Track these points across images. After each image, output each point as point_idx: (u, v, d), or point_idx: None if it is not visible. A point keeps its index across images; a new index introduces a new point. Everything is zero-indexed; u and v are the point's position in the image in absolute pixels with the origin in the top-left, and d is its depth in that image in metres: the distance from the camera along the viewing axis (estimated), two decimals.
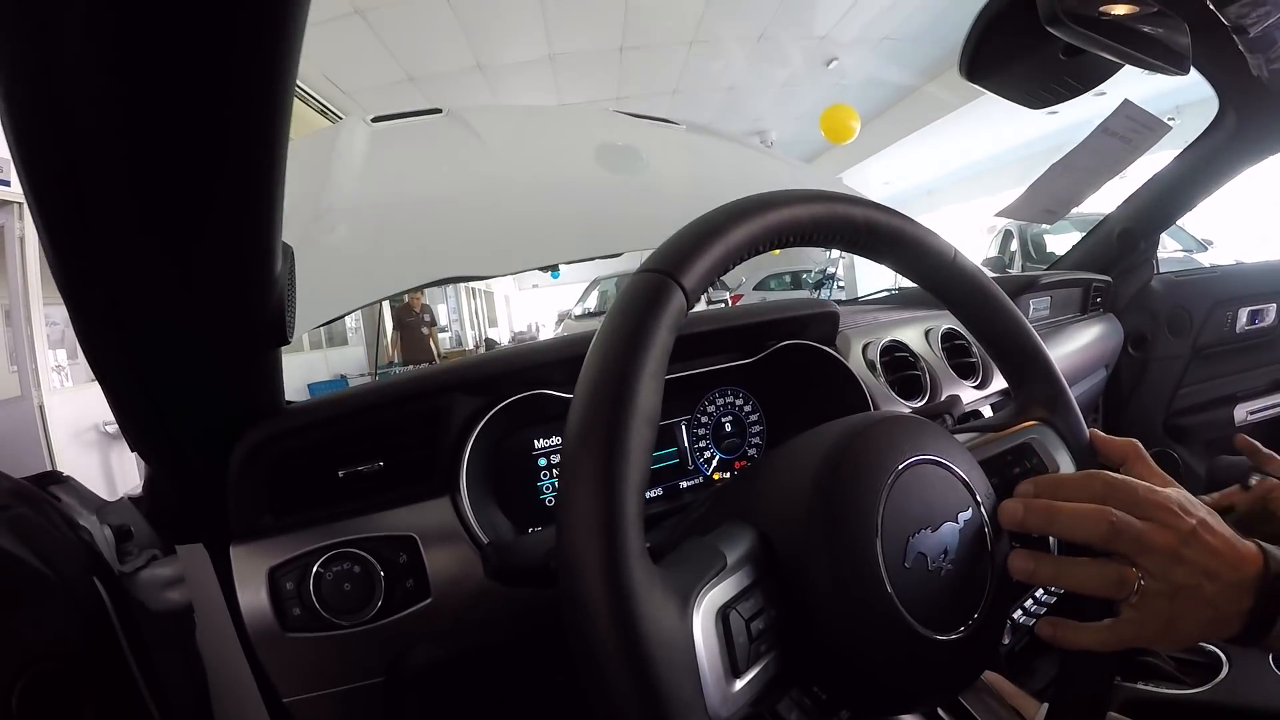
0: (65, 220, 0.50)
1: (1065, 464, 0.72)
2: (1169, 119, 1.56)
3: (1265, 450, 0.94)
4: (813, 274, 12.79)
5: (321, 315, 1.16)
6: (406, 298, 8.50)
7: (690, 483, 1.09)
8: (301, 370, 9.38)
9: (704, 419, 1.11)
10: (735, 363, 1.09)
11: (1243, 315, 2.13)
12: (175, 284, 0.57)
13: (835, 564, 0.51)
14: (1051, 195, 1.68)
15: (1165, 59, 1.11)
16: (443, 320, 14.75)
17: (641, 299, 0.49)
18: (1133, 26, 1.07)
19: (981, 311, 0.72)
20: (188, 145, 0.47)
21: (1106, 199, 1.94)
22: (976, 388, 1.37)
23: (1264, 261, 2.22)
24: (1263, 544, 0.60)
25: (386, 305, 10.37)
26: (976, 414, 1.32)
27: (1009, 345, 0.74)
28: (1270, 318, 2.15)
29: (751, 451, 1.14)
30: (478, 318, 17.98)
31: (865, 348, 1.25)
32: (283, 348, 0.79)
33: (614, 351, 0.47)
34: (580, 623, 0.42)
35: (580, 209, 1.48)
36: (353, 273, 1.26)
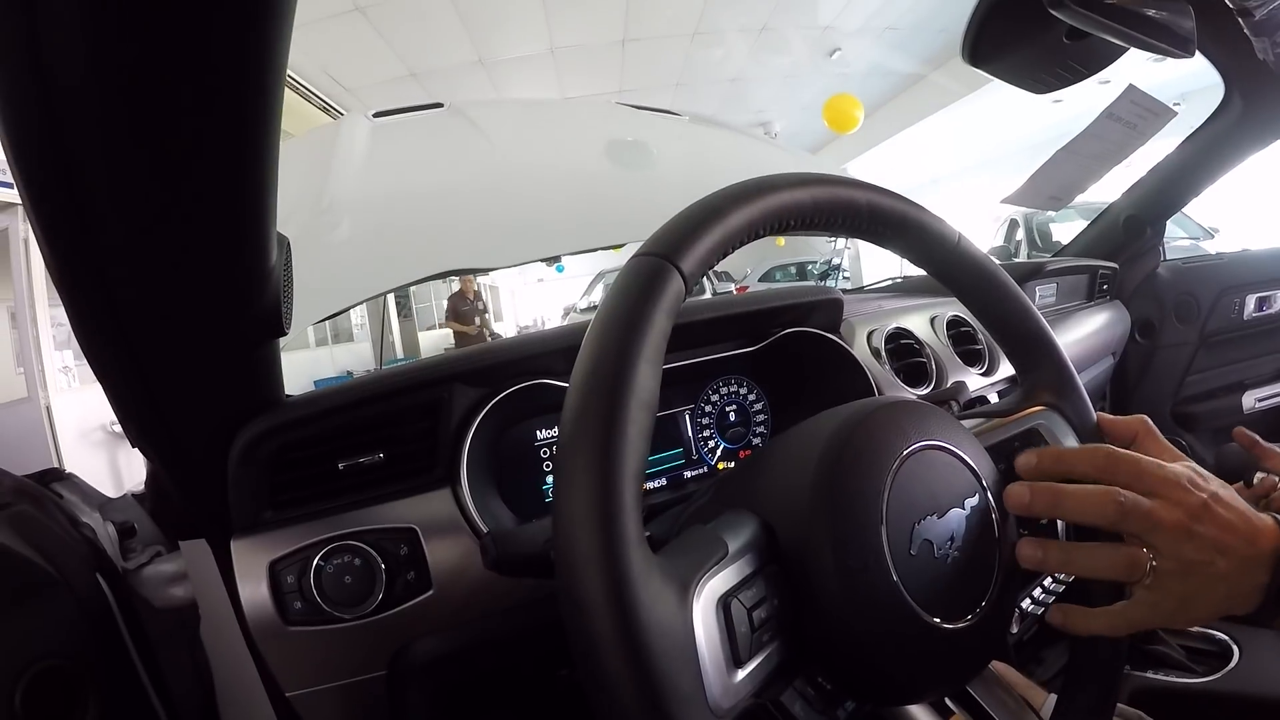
0: (58, 213, 0.49)
1: None
2: (1174, 104, 1.55)
3: (1265, 444, 0.92)
4: (818, 265, 12.77)
5: (326, 309, 1.16)
6: (458, 284, 8.22)
7: (694, 472, 1.09)
8: (308, 366, 9.39)
9: (708, 408, 1.11)
10: (739, 350, 1.09)
11: (1250, 302, 2.12)
12: (169, 276, 0.57)
13: (839, 552, 0.50)
14: (1056, 182, 1.67)
15: (1170, 42, 1.10)
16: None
17: (638, 283, 0.48)
18: (1137, 9, 1.06)
19: (987, 296, 0.72)
20: (178, 136, 0.47)
21: (1113, 187, 1.93)
22: (983, 375, 1.37)
23: (1271, 248, 2.21)
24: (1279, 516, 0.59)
25: (392, 300, 10.36)
26: (983, 400, 1.31)
27: (1015, 330, 0.73)
28: (1278, 304, 2.14)
29: (756, 440, 1.14)
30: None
31: (870, 335, 1.24)
32: (288, 345, 0.79)
33: (610, 336, 0.46)
34: (577, 612, 0.42)
35: (582, 201, 1.48)
36: (356, 267, 1.26)
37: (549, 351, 0.92)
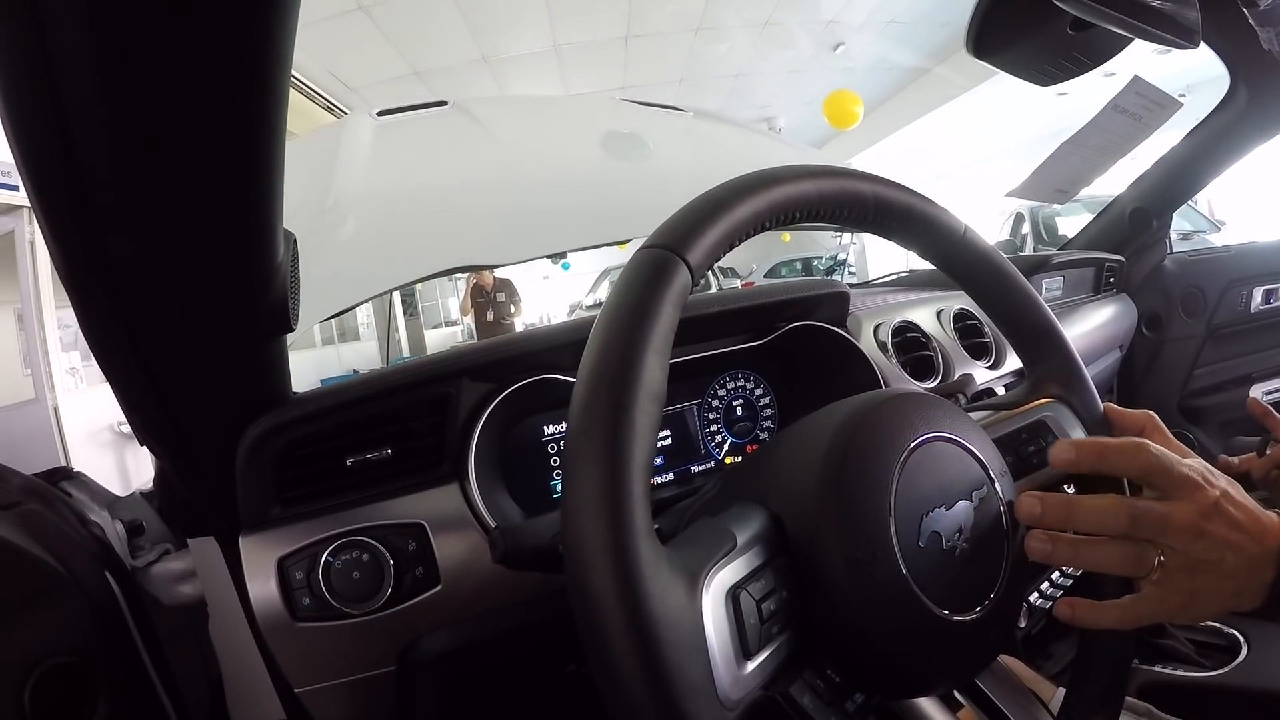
0: (65, 210, 0.50)
1: None
2: (1179, 96, 1.54)
3: (1277, 414, 0.92)
4: (824, 260, 12.78)
5: (331, 307, 1.16)
6: (473, 279, 8.07)
7: (702, 467, 1.09)
8: (314, 366, 9.38)
9: (715, 402, 1.11)
10: (745, 345, 1.08)
11: (1257, 294, 2.12)
12: (177, 272, 0.57)
13: (848, 544, 0.50)
14: (1062, 175, 1.66)
15: (1175, 33, 1.10)
16: (454, 314, 14.69)
17: (645, 275, 0.48)
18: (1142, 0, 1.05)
19: (993, 287, 0.72)
20: (186, 132, 0.47)
21: (1118, 180, 1.93)
22: (989, 368, 1.36)
23: (1278, 240, 2.20)
24: None
25: (398, 298, 10.33)
26: (990, 393, 1.31)
27: (1022, 321, 0.73)
28: None
29: (763, 435, 1.14)
30: None
31: (877, 328, 1.24)
32: (294, 344, 0.79)
33: (617, 328, 0.46)
34: (586, 603, 0.42)
35: (587, 197, 1.48)
36: (362, 265, 1.26)
37: (556, 346, 0.92)
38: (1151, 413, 0.69)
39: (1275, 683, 1.11)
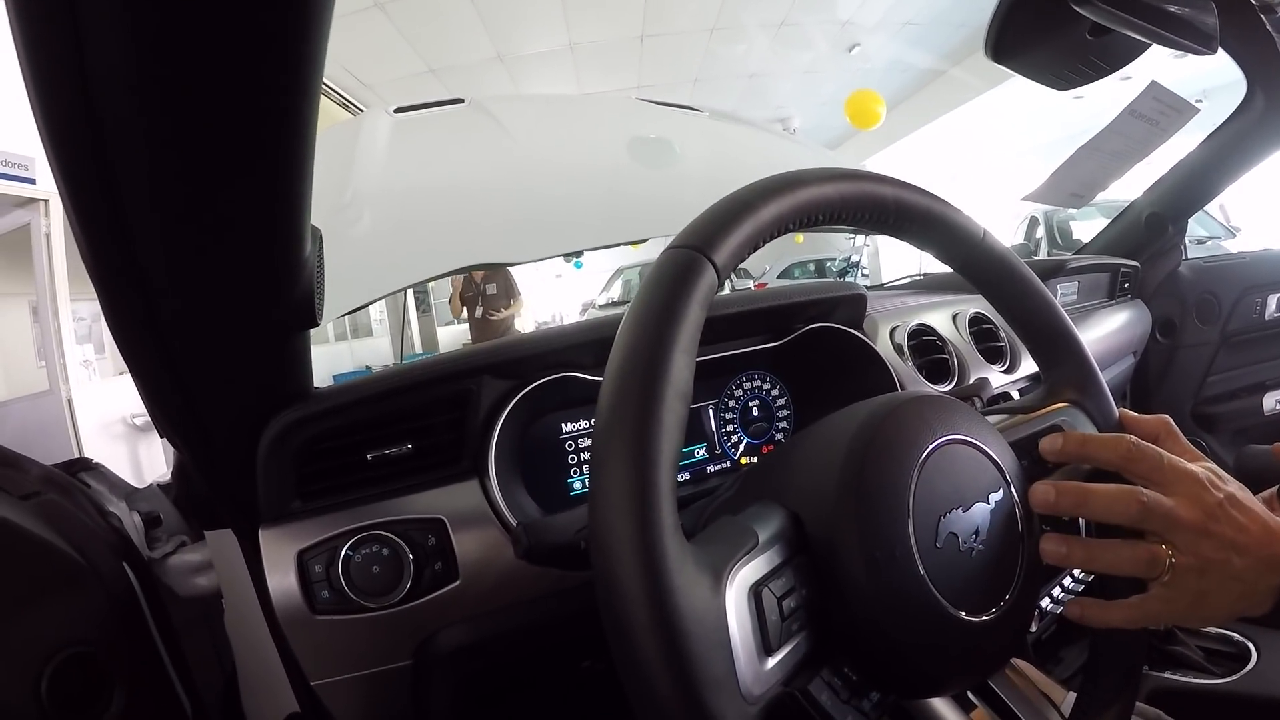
0: (95, 205, 0.50)
1: None
2: (1196, 101, 1.54)
3: None
4: (836, 262, 12.73)
5: (347, 304, 1.16)
6: (457, 280, 7.58)
7: (718, 467, 1.09)
8: (327, 362, 9.37)
9: (731, 403, 1.11)
10: (763, 346, 1.09)
11: (1272, 302, 2.11)
12: (205, 266, 0.58)
13: (866, 543, 0.50)
14: (1078, 179, 1.66)
15: (1193, 38, 1.10)
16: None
17: (673, 274, 0.49)
18: (1160, 5, 1.06)
19: (1011, 292, 0.72)
20: (221, 130, 0.47)
21: (1134, 185, 1.92)
22: (1004, 372, 1.36)
23: None
24: None
25: (411, 295, 10.30)
26: (1006, 397, 1.31)
27: (1039, 326, 0.73)
28: None
29: (779, 436, 1.14)
30: None
31: (893, 331, 1.24)
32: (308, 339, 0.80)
33: (646, 326, 0.47)
34: (613, 597, 0.42)
35: (604, 196, 1.48)
36: (378, 261, 1.27)
37: (576, 345, 0.93)
38: (1166, 418, 0.69)
39: None
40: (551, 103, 2.27)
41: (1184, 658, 1.23)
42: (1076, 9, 1.02)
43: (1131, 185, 1.89)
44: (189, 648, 0.96)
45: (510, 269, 6.76)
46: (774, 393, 1.14)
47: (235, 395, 0.74)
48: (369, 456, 0.84)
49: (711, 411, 1.09)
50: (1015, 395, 1.34)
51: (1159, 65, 1.33)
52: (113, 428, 5.23)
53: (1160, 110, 1.54)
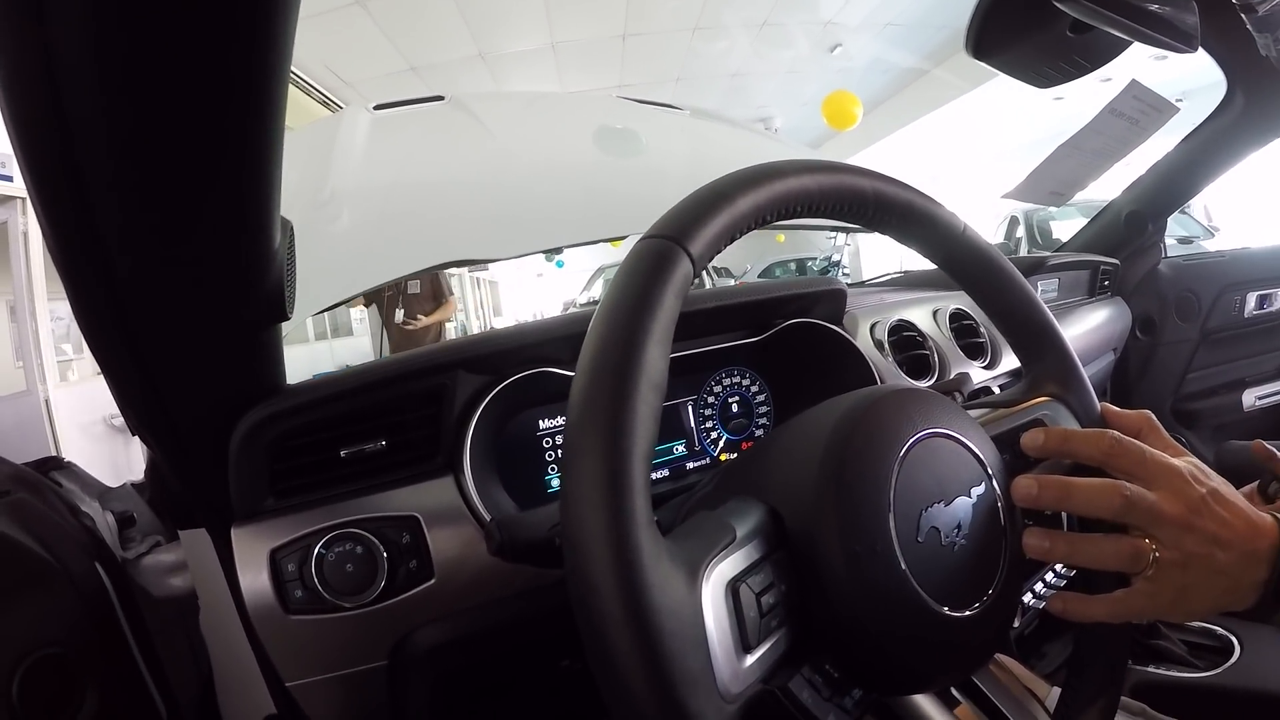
0: (60, 195, 0.49)
1: None
2: (1176, 100, 1.55)
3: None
4: (818, 261, 12.77)
5: (325, 301, 1.15)
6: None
7: (697, 463, 1.09)
8: (306, 361, 9.34)
9: (710, 399, 1.10)
10: (742, 341, 1.08)
11: (1251, 299, 2.13)
12: (172, 257, 0.57)
13: (847, 538, 0.50)
14: (1058, 177, 1.66)
15: (1173, 37, 1.10)
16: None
17: (647, 264, 0.48)
18: (1141, 3, 1.06)
19: (992, 285, 0.71)
20: (186, 116, 0.46)
21: (1113, 184, 1.93)
22: (985, 367, 1.37)
23: (1272, 246, 2.21)
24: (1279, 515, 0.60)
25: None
26: (986, 392, 1.31)
27: (1020, 320, 0.73)
28: (1279, 302, 2.14)
29: (758, 432, 1.14)
30: (482, 307, 18.02)
31: (873, 327, 1.24)
32: (286, 339, 0.79)
33: (619, 317, 0.46)
34: (585, 592, 0.41)
35: (584, 193, 1.48)
36: (356, 258, 1.26)
37: (552, 339, 0.92)
38: (1148, 413, 0.69)
39: (1267, 684, 1.11)
40: (532, 100, 2.27)
41: (1168, 652, 1.23)
42: (1057, 5, 1.01)
43: (1110, 185, 1.90)
44: (164, 649, 0.95)
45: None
46: (754, 389, 1.14)
47: (205, 390, 0.73)
48: (342, 453, 0.83)
49: (691, 408, 1.09)
50: (996, 390, 1.34)
51: (1139, 67, 1.34)
52: (91, 428, 5.19)
53: (1140, 109, 1.54)
